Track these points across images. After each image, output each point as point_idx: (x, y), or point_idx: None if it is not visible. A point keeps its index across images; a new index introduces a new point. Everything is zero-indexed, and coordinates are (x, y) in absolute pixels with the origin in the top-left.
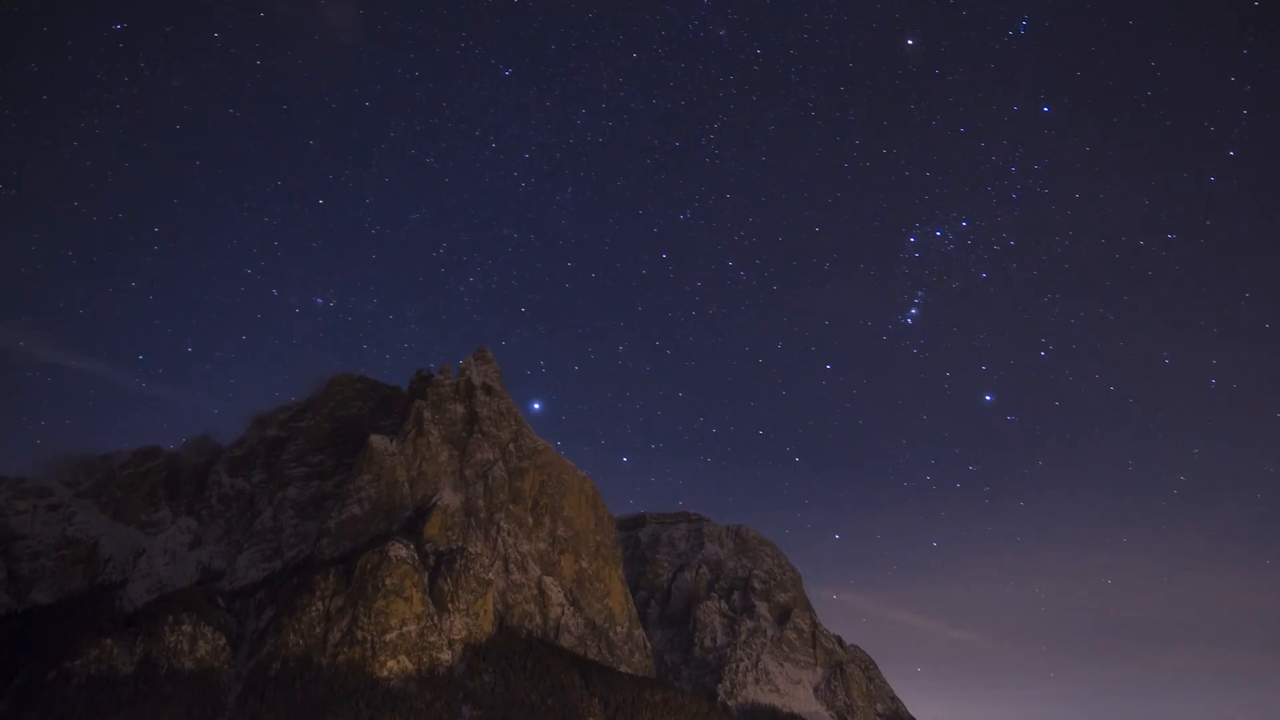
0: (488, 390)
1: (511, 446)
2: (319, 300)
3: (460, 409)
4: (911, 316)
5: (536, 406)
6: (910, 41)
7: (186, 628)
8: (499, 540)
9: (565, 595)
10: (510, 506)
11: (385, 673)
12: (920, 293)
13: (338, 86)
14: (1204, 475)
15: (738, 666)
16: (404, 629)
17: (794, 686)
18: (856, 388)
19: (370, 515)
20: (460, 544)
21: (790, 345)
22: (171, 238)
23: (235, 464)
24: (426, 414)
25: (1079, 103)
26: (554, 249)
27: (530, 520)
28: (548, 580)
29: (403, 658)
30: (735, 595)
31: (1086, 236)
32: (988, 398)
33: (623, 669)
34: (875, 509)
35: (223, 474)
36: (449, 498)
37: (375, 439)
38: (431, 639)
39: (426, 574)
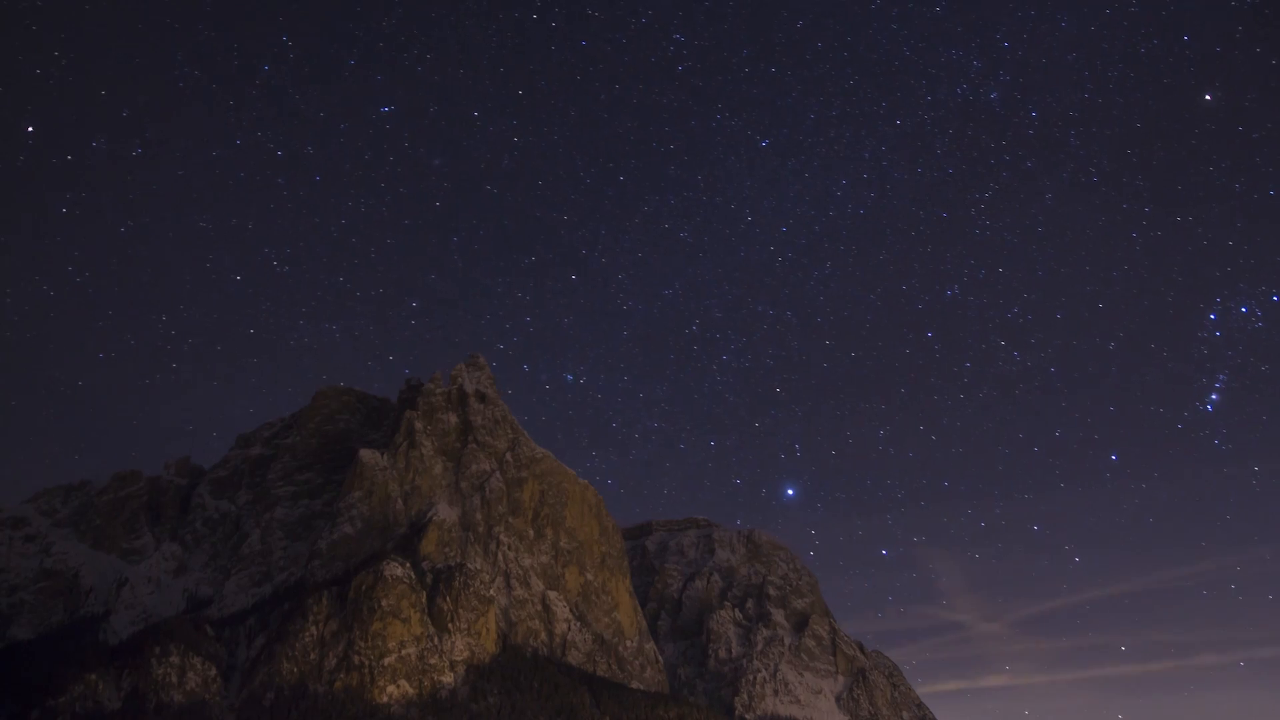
0: (481, 398)
1: (509, 456)
2: (569, 377)
3: (453, 419)
4: (1212, 403)
5: (790, 493)
6: (1208, 97)
7: (174, 659)
8: (499, 555)
9: (571, 610)
10: (510, 519)
11: (385, 698)
12: (1222, 376)
13: (593, 162)
14: None
15: (755, 678)
16: (403, 652)
17: (815, 697)
18: (1146, 481)
19: (363, 534)
20: (459, 560)
21: (1070, 433)
22: (427, 313)
23: (219, 485)
24: (418, 425)
25: None
26: (811, 326)
27: (531, 532)
28: (552, 595)
29: (403, 682)
30: (749, 603)
31: None
32: None
33: (634, 685)
34: (1169, 617)
35: (206, 496)
36: (445, 512)
37: (365, 453)
38: (432, 661)
39: (424, 593)
